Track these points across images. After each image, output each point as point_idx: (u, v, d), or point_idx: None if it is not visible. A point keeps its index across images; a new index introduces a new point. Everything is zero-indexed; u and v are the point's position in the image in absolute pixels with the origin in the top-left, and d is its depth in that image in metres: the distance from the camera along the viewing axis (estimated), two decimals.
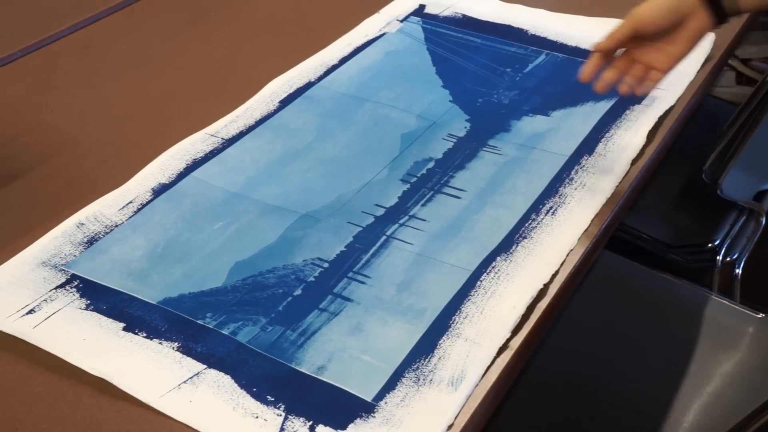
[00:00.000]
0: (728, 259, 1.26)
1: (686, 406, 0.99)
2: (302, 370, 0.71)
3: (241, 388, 0.69)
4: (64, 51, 1.22)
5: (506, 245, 0.83)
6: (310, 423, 0.66)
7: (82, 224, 0.87)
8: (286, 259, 0.82)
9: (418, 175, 0.93)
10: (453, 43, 1.18)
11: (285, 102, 1.06)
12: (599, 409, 1.00)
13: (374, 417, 0.67)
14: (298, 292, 0.79)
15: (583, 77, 0.88)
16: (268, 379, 0.70)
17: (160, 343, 0.74)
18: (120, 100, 1.10)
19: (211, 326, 0.75)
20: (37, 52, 1.22)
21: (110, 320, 0.76)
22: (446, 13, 1.26)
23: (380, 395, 0.68)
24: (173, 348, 0.73)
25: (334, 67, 1.13)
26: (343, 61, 1.15)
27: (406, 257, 0.82)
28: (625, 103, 1.04)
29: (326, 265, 0.81)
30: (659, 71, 0.88)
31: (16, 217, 0.90)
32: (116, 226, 0.87)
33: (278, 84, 1.10)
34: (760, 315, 1.09)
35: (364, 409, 0.67)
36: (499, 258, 0.81)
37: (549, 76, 1.00)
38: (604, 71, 0.88)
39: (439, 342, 0.73)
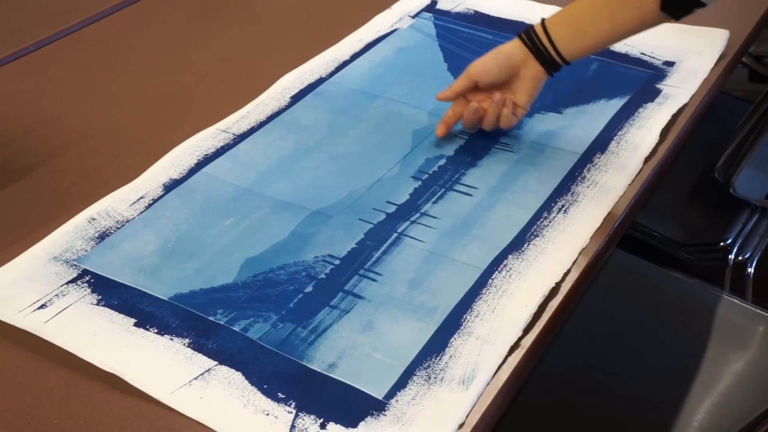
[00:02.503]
0: (740, 258, 1.26)
1: (696, 405, 0.99)
2: (313, 367, 0.71)
3: (252, 385, 0.69)
4: (75, 46, 1.22)
5: (518, 243, 0.82)
6: (321, 420, 0.66)
7: (94, 219, 0.88)
8: (297, 256, 0.82)
9: (430, 172, 0.93)
10: (465, 40, 1.18)
11: (296, 98, 1.06)
12: (609, 408, 1.00)
13: (385, 415, 0.67)
14: (309, 289, 0.79)
15: (438, 134, 0.97)
16: (279, 376, 0.70)
17: (171, 339, 0.74)
18: (131, 96, 1.10)
19: (222, 322, 0.75)
20: (48, 46, 1.22)
21: (121, 316, 0.76)
22: (458, 9, 1.25)
23: (391, 393, 0.68)
24: (184, 344, 0.73)
25: (345, 63, 1.13)
26: (355, 56, 1.14)
27: (417, 255, 0.82)
28: (638, 101, 1.03)
29: (337, 262, 0.81)
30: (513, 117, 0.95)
31: (28, 212, 0.90)
32: (127, 221, 0.87)
33: (289, 80, 1.10)
34: None
35: (375, 407, 0.67)
36: (510, 256, 0.81)
37: (561, 73, 0.99)
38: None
39: (451, 340, 0.73)
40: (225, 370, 0.71)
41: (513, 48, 0.94)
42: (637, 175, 0.91)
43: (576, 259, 0.80)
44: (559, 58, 0.92)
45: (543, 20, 0.93)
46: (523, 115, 0.97)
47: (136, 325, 0.75)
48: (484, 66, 0.94)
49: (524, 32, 0.94)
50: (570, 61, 0.93)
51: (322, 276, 0.80)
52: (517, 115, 0.96)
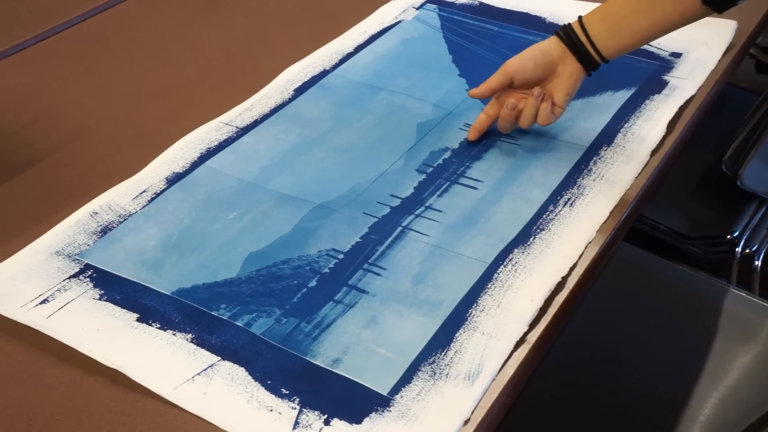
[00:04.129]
0: (747, 251, 1.25)
1: (703, 399, 0.98)
2: (317, 362, 0.70)
3: (256, 381, 0.69)
4: (77, 38, 1.22)
5: (524, 237, 0.82)
6: (325, 416, 0.66)
7: (96, 213, 0.87)
8: (300, 250, 0.82)
9: (435, 165, 0.92)
10: (470, 31, 1.17)
11: (300, 90, 1.05)
12: (615, 403, 0.99)
13: (389, 411, 0.66)
14: (312, 283, 0.78)
15: (470, 138, 0.95)
16: (283, 371, 0.69)
17: (174, 334, 0.73)
18: (133, 88, 1.09)
19: (225, 317, 0.75)
20: (50, 39, 1.21)
21: (124, 311, 0.76)
22: (463, 1, 1.24)
23: (396, 389, 0.68)
24: (187, 339, 0.73)
25: (349, 55, 1.12)
26: (359, 49, 1.13)
27: (422, 249, 0.81)
28: (645, 93, 1.02)
29: (341, 256, 0.81)
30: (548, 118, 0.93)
31: (30, 206, 0.90)
32: (130, 215, 0.87)
33: (293, 72, 1.09)
34: None
35: (380, 402, 0.67)
36: (516, 250, 0.80)
37: None
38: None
39: (456, 335, 0.72)
40: (228, 366, 0.70)
41: (550, 45, 0.92)
42: (643, 168, 0.90)
43: (582, 253, 0.80)
44: (597, 56, 0.90)
45: (580, 17, 0.91)
46: (561, 114, 0.94)
47: (138, 320, 0.75)
48: (521, 62, 0.92)
49: (561, 29, 0.92)
50: (609, 59, 0.91)
51: (326, 270, 0.79)
52: (555, 114, 0.93)
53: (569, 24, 0.91)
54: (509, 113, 0.93)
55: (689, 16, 0.87)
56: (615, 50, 0.90)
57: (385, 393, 0.67)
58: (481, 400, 0.67)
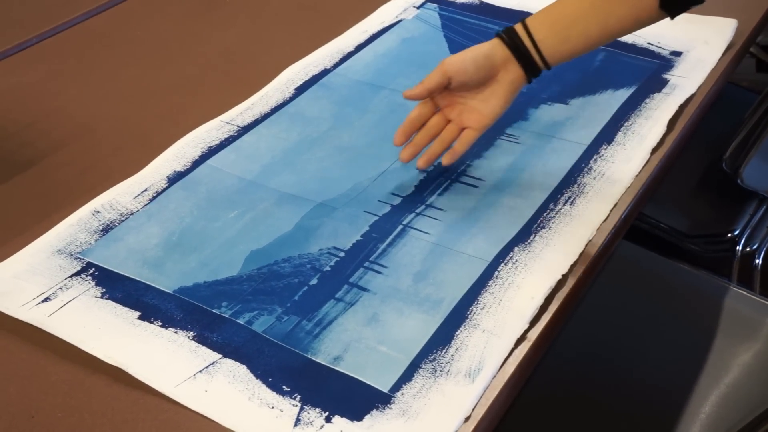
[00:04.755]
0: (748, 249, 1.25)
1: (704, 398, 0.98)
2: (318, 360, 0.70)
3: (257, 378, 0.69)
4: (78, 38, 1.22)
5: (524, 235, 0.82)
6: (326, 413, 0.66)
7: (98, 212, 0.87)
8: (301, 249, 0.82)
9: (435, 163, 0.92)
10: (470, 30, 1.17)
11: (301, 89, 1.06)
12: (616, 401, 0.99)
13: (390, 408, 0.66)
14: (313, 281, 0.78)
15: (396, 142, 0.88)
16: (284, 369, 0.70)
17: (176, 332, 0.73)
18: (135, 87, 1.09)
19: (226, 315, 0.75)
20: (51, 38, 1.21)
21: (125, 309, 0.76)
22: (463, 0, 1.24)
23: (397, 386, 0.68)
24: (189, 337, 0.73)
25: (350, 54, 1.12)
26: (360, 48, 1.14)
27: (422, 247, 0.81)
28: (645, 91, 1.02)
29: (342, 254, 0.81)
30: (474, 130, 0.87)
31: (32, 205, 0.90)
32: (131, 214, 0.87)
33: (294, 71, 1.09)
34: None
35: (381, 400, 0.67)
36: (517, 248, 0.80)
37: (567, 64, 0.99)
38: (415, 135, 0.88)
39: (457, 333, 0.72)
40: (230, 363, 0.70)
41: (493, 47, 0.85)
42: (644, 166, 0.91)
43: (583, 251, 0.80)
44: (541, 62, 0.84)
45: (524, 20, 0.85)
46: (464, 150, 0.88)
47: (140, 318, 0.75)
48: (462, 63, 0.84)
49: (504, 31, 0.85)
50: (552, 65, 0.85)
51: (327, 268, 0.79)
52: (467, 141, 0.87)
53: (512, 26, 0.85)
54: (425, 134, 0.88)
55: (643, 21, 0.82)
56: (561, 57, 0.85)
57: (386, 390, 0.67)
58: (481, 397, 0.67)
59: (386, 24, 1.19)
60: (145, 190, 0.90)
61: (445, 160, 0.88)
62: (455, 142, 0.88)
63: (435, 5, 1.23)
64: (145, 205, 0.88)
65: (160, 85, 1.10)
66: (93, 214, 0.87)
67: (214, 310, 0.75)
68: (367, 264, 0.80)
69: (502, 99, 0.86)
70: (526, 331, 0.72)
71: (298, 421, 0.66)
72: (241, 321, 0.74)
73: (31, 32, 1.21)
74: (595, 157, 0.92)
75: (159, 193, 0.90)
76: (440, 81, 0.85)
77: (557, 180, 0.89)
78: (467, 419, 0.65)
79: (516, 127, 0.98)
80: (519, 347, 0.71)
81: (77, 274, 0.80)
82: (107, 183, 0.91)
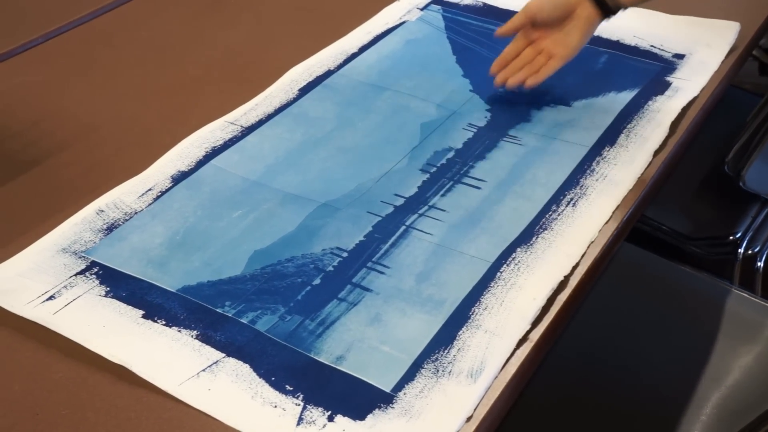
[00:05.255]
0: (750, 252, 1.25)
1: (705, 399, 0.98)
2: (321, 359, 0.71)
3: (260, 377, 0.69)
4: (83, 38, 1.22)
5: (526, 236, 0.82)
6: (329, 413, 0.66)
7: (102, 211, 0.88)
8: (305, 249, 0.82)
9: (438, 164, 0.93)
10: (474, 32, 1.17)
11: (304, 90, 1.06)
12: (617, 402, 1.00)
13: (393, 408, 0.66)
14: (316, 281, 0.78)
15: (492, 70, 1.02)
16: (287, 368, 0.70)
17: (179, 331, 0.74)
18: (139, 87, 1.10)
19: (229, 315, 0.75)
20: (56, 38, 1.22)
21: (129, 307, 0.76)
22: (467, 2, 1.25)
23: (399, 386, 0.68)
24: (192, 336, 0.73)
25: (353, 56, 1.13)
26: (363, 49, 1.14)
27: (425, 247, 0.82)
28: (648, 94, 1.03)
29: (345, 254, 0.81)
30: (557, 59, 0.99)
31: (36, 204, 0.91)
32: (136, 213, 0.87)
33: (298, 72, 1.10)
34: None
35: (383, 399, 0.67)
36: (519, 249, 0.81)
37: (570, 66, 0.99)
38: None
39: (459, 333, 0.72)
40: (233, 362, 0.71)
41: None
42: (646, 169, 0.91)
43: (585, 253, 0.80)
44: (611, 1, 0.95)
45: None
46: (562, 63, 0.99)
47: (144, 316, 0.75)
48: (540, 2, 0.97)
49: None
50: (627, 6, 0.95)
51: (330, 268, 0.80)
52: (552, 68, 0.99)
53: None
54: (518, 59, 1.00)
55: None
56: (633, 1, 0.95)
57: (388, 390, 0.68)
58: (483, 397, 0.67)
59: (390, 25, 1.19)
60: (150, 189, 0.90)
61: (530, 82, 1.00)
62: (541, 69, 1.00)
63: (439, 7, 1.23)
64: (149, 204, 0.88)
65: (164, 85, 1.10)
66: (97, 213, 0.87)
67: (217, 310, 0.76)
68: (369, 264, 0.80)
69: (580, 33, 0.98)
70: (528, 332, 0.73)
71: (300, 420, 0.66)
72: (244, 320, 0.75)
73: (35, 32, 1.22)
74: (597, 159, 0.93)
75: (163, 193, 0.90)
76: (522, 20, 0.99)
77: (560, 182, 0.89)
78: (469, 419, 0.66)
79: (519, 129, 0.98)
80: (521, 348, 0.71)
81: (81, 272, 0.80)
82: (111, 182, 0.91)
